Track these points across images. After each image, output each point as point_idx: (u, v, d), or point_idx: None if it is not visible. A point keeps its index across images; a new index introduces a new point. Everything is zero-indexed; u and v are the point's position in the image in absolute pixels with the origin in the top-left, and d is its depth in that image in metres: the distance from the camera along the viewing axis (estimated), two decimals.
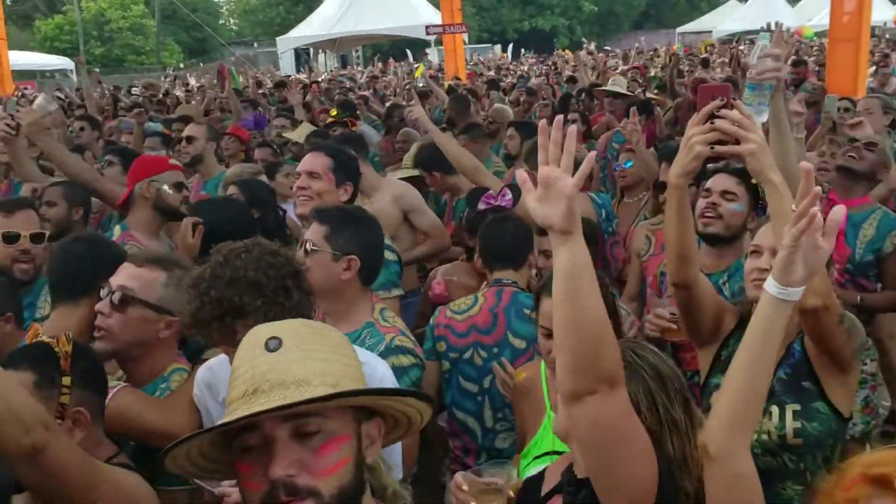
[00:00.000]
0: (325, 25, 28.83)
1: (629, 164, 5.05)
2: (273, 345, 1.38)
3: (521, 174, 1.73)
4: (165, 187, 3.85)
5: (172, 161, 4.31)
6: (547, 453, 2.52)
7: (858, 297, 3.76)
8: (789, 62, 8.81)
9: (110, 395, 2.29)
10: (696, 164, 2.21)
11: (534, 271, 3.48)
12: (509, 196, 3.76)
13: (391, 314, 2.93)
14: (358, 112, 8.52)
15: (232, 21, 60.25)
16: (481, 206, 3.82)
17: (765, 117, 2.46)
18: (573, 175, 1.62)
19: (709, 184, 3.34)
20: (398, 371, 2.62)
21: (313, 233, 2.79)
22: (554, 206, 1.62)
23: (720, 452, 1.70)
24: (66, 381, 2.03)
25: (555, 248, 1.66)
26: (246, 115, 9.40)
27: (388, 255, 3.56)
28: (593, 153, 1.81)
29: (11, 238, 3.29)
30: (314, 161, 3.60)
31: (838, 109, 6.51)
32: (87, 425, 2.10)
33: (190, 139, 5.51)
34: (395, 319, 2.92)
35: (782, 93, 2.58)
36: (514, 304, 3.29)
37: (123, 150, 5.32)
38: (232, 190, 4.04)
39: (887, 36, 23.31)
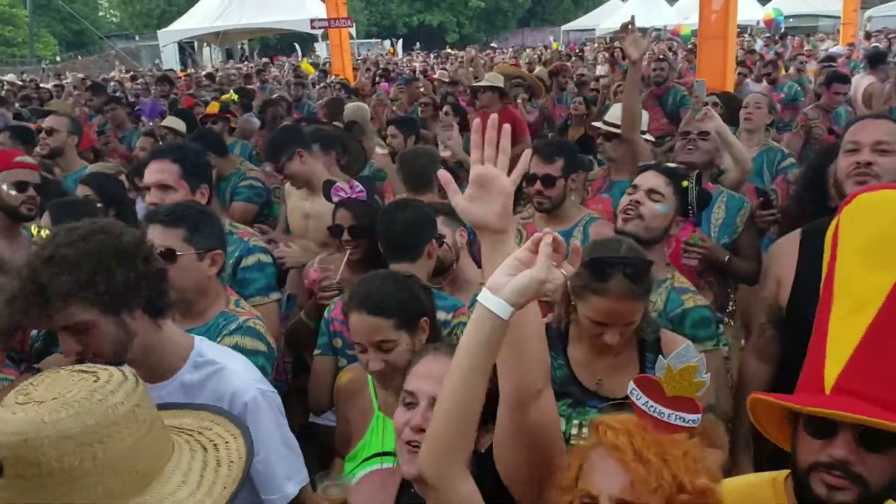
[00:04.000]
0: (209, 18, 28.18)
1: None
2: None
3: (444, 174, 1.70)
4: (4, 187, 3.65)
5: (21, 159, 3.91)
6: (376, 455, 2.45)
7: (727, 257, 3.83)
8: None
9: None
10: None
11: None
12: (360, 188, 3.64)
13: (245, 304, 2.86)
14: (231, 109, 8.31)
15: (112, 12, 58.00)
16: (334, 199, 3.66)
17: None
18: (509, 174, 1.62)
19: (637, 180, 3.19)
20: (241, 352, 2.46)
21: (167, 238, 2.59)
22: (489, 206, 1.60)
23: (440, 481, 1.62)
24: None
25: (488, 258, 1.62)
26: (143, 100, 9.37)
27: (262, 257, 3.44)
28: (529, 150, 1.76)
29: None
30: (162, 171, 3.28)
31: (706, 104, 6.78)
32: None
33: (51, 131, 5.27)
34: (250, 308, 2.85)
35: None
36: None
37: None
38: (85, 189, 3.88)
39: (748, 35, 24.50)
